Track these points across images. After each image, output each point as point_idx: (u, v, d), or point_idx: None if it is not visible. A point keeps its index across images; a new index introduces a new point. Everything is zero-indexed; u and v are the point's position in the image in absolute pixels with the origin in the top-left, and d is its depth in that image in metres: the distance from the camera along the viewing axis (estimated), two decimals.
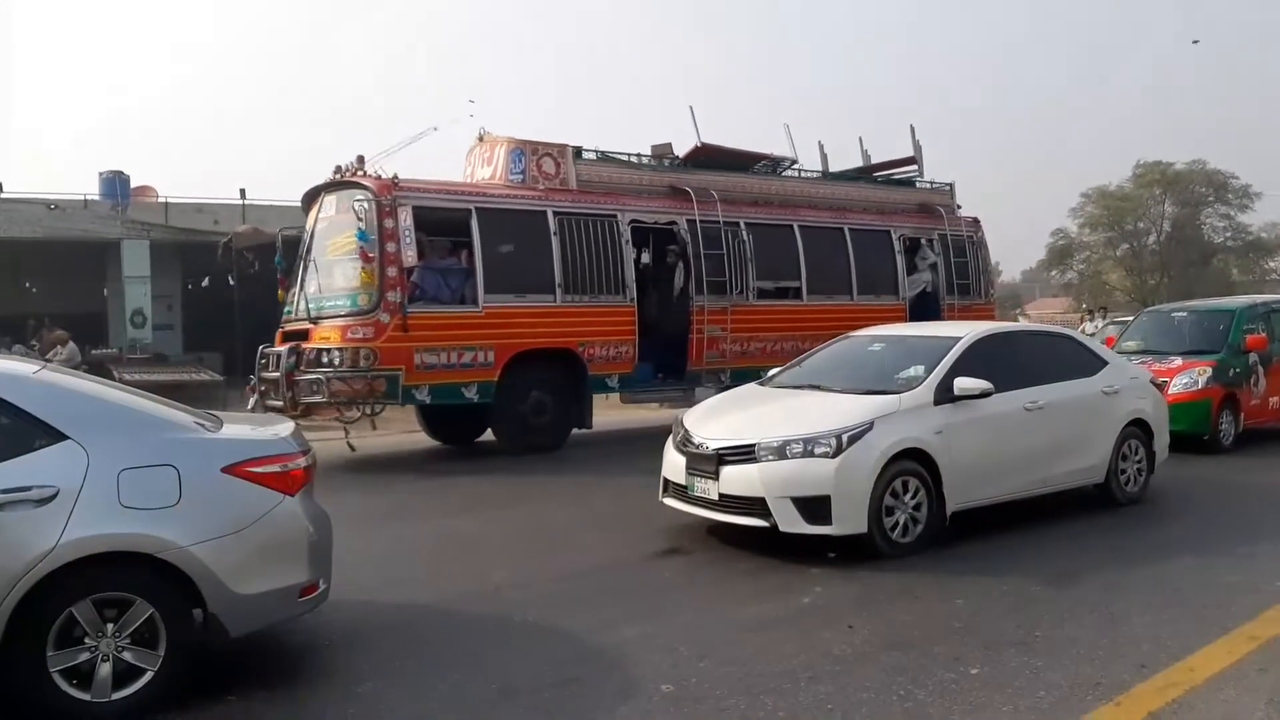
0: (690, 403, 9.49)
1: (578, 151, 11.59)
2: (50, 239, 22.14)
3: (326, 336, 10.00)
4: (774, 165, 13.62)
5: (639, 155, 12.42)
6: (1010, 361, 6.94)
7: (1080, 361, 7.53)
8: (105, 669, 3.67)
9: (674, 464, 6.56)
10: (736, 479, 6.03)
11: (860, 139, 14.96)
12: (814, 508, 5.81)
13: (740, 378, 12.02)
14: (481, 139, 11.92)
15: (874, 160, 14.93)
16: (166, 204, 24.04)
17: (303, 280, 10.71)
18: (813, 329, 12.51)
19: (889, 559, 5.89)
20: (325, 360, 9.80)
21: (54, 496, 3.60)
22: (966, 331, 7.08)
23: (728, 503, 6.09)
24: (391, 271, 9.84)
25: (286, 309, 10.91)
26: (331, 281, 10.44)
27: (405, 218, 9.88)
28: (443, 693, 4.04)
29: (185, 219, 23.20)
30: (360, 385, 9.69)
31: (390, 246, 9.83)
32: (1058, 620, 4.86)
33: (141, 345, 22.02)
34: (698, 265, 11.86)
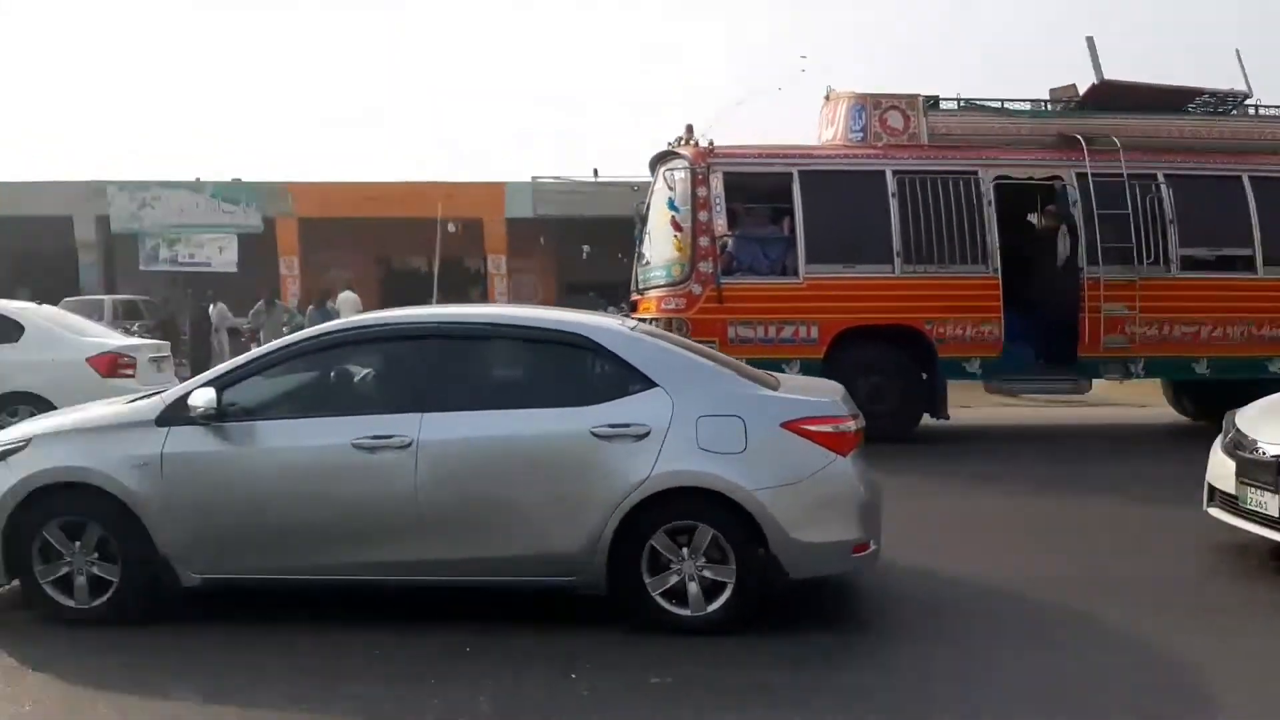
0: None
1: (934, 102, 10.23)
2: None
3: (647, 307, 9.96)
4: (1218, 103, 10.77)
5: (1039, 101, 10.58)
6: None
7: None
8: (694, 587, 4.19)
9: (1222, 470, 5.60)
10: None
11: None
12: None
13: (1156, 369, 10.16)
14: (827, 98, 10.95)
15: None
16: None
17: (639, 253, 10.87)
18: (1272, 309, 9.97)
19: None
20: None
21: (647, 434, 4.18)
22: None
23: None
24: (704, 241, 9.48)
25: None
26: (655, 253, 10.39)
27: (716, 185, 9.47)
28: (1003, 676, 3.93)
29: None
30: None
31: (702, 216, 9.48)
32: None
33: None
34: (1090, 229, 9.74)
